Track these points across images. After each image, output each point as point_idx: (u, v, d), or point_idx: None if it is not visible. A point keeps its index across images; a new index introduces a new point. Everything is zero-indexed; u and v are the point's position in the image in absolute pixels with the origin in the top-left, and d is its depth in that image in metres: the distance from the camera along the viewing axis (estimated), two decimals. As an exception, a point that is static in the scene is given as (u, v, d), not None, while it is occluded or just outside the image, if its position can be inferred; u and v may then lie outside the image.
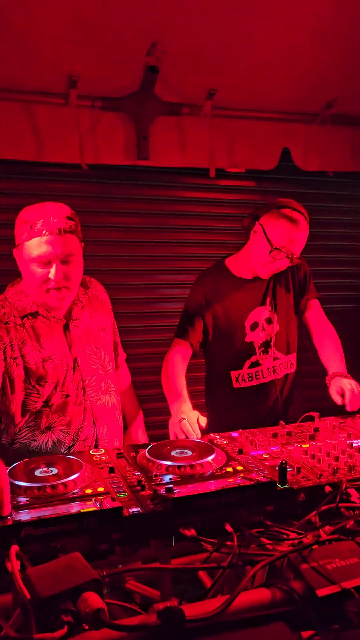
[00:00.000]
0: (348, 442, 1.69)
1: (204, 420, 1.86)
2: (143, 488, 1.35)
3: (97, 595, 0.94)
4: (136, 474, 1.46)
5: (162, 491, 1.30)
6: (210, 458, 1.50)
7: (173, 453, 1.55)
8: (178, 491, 1.32)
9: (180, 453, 1.55)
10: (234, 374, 2.34)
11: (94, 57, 2.52)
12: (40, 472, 1.41)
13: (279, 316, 2.36)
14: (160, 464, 1.48)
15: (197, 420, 1.85)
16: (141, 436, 2.24)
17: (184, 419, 1.84)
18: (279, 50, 2.61)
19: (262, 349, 2.35)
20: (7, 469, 1.38)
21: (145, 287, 3.65)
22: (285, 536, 1.27)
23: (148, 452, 1.55)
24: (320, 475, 1.45)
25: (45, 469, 1.43)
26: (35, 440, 1.84)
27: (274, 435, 1.78)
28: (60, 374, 1.87)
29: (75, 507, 1.24)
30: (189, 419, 1.84)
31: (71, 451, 1.85)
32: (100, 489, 1.34)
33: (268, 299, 2.35)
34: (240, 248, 2.40)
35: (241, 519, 1.30)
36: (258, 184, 3.80)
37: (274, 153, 3.14)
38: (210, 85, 2.80)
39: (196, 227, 3.72)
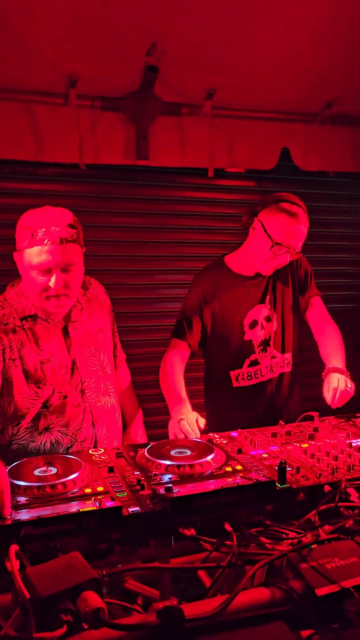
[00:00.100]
0: (347, 441, 1.69)
1: (202, 422, 1.86)
2: (142, 487, 1.35)
3: (97, 594, 0.94)
4: (135, 473, 1.46)
5: (162, 491, 1.31)
6: (209, 457, 1.50)
7: (172, 452, 1.55)
8: (177, 491, 1.32)
9: (179, 452, 1.55)
10: (233, 373, 2.34)
11: (93, 57, 2.52)
12: (39, 472, 1.41)
13: (278, 315, 2.35)
14: (160, 464, 1.48)
15: (196, 421, 1.85)
16: (140, 436, 2.24)
17: (182, 419, 1.84)
18: (279, 50, 2.61)
19: (261, 347, 2.34)
20: (7, 468, 1.38)
21: (145, 287, 3.65)
22: (284, 535, 1.27)
23: (147, 451, 1.55)
24: (320, 474, 1.45)
25: (45, 468, 1.43)
26: (33, 441, 1.84)
27: (273, 435, 1.78)
28: (58, 376, 1.87)
29: (74, 507, 1.24)
30: (188, 420, 1.85)
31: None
32: (100, 489, 1.34)
33: (268, 297, 2.34)
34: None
35: (240, 518, 1.30)
36: (258, 184, 3.79)
37: (274, 153, 3.14)
38: (210, 85, 2.80)
39: (196, 227, 3.72)
